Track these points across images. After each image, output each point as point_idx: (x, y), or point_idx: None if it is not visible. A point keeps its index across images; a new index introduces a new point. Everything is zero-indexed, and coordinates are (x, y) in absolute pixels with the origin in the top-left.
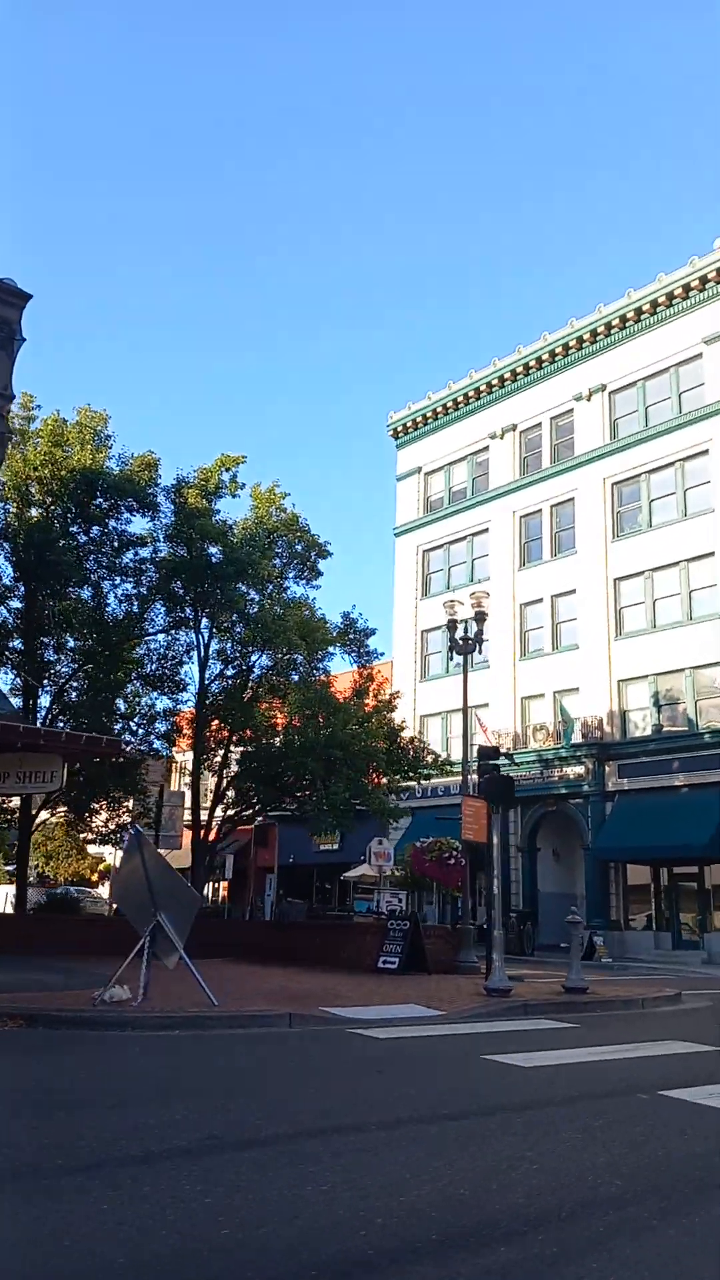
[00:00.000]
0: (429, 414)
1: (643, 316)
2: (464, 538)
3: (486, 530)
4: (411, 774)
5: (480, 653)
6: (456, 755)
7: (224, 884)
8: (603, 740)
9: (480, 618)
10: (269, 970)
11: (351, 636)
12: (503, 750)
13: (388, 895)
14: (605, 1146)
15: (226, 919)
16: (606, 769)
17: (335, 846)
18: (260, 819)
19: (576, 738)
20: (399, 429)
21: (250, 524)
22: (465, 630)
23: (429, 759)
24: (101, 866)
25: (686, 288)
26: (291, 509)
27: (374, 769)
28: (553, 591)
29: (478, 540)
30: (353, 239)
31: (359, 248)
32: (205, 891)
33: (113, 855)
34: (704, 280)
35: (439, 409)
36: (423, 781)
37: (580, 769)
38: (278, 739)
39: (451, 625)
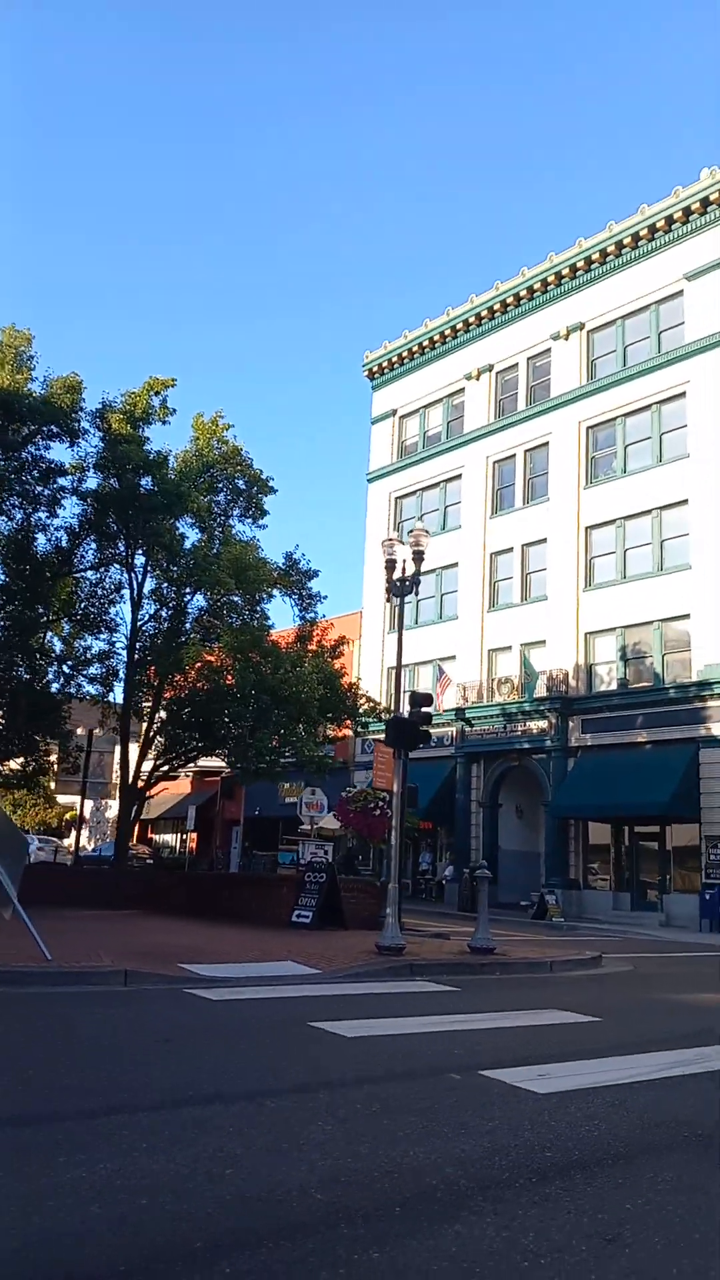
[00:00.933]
0: (405, 354)
1: (624, 251)
2: (437, 484)
3: (460, 476)
4: (351, 721)
5: (416, 594)
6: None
7: (192, 835)
8: (567, 694)
9: (418, 557)
10: (172, 924)
11: (294, 578)
12: (466, 703)
13: (311, 846)
14: (350, 1145)
15: (186, 871)
16: (570, 724)
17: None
18: (193, 766)
19: (541, 691)
20: (374, 369)
21: (190, 456)
22: (403, 570)
23: (365, 706)
24: (69, 815)
25: (669, 219)
26: (234, 440)
27: (307, 717)
28: (524, 540)
29: (450, 486)
30: (331, 177)
31: (337, 192)
32: (174, 843)
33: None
34: (687, 212)
35: (415, 348)
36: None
37: (544, 723)
38: (205, 684)
39: (390, 565)
